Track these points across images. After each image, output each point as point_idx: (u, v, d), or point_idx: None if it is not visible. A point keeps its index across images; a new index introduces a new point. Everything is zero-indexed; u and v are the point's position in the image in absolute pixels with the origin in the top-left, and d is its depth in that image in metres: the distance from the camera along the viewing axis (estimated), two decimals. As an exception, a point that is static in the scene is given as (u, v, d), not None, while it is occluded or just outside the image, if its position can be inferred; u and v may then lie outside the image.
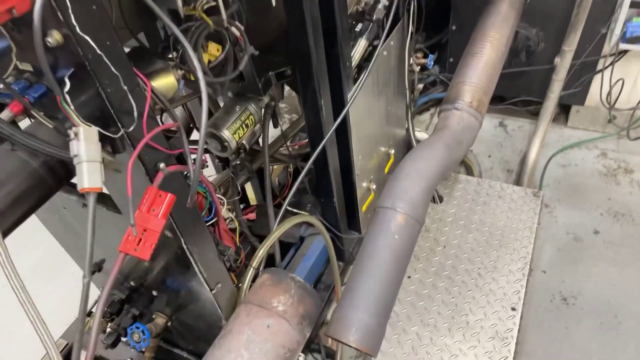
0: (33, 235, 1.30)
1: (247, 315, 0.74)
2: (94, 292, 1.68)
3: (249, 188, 2.21)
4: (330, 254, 1.65)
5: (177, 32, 0.76)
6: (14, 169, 0.87)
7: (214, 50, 1.00)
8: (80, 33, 0.64)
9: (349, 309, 1.11)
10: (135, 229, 0.76)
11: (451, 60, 2.67)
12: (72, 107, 0.68)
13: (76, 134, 0.67)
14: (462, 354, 1.62)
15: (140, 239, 0.81)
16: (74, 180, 0.93)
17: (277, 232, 1.33)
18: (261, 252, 1.29)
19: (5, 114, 0.72)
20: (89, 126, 0.69)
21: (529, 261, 1.85)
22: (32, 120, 0.87)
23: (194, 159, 0.89)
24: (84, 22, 0.66)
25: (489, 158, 2.55)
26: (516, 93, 2.62)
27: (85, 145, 0.68)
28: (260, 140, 1.68)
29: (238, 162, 1.63)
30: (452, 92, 1.55)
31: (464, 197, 2.11)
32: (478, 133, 1.51)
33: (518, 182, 2.41)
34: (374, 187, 2.04)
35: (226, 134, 1.42)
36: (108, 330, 1.46)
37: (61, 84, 0.68)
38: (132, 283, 1.41)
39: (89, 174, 0.68)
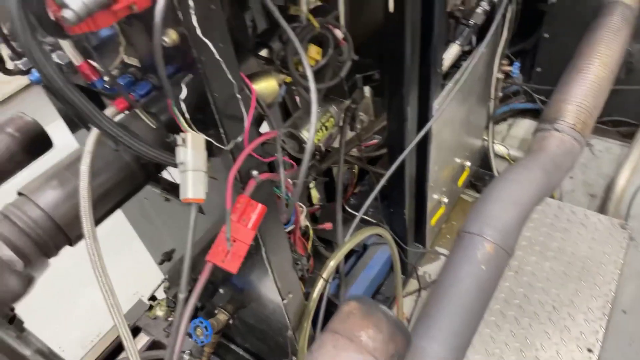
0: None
1: (334, 347, 0.69)
2: (157, 275, 1.70)
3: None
4: (395, 267, 1.57)
5: (293, 36, 0.70)
6: (108, 161, 0.86)
7: (313, 52, 0.94)
8: (200, 35, 0.59)
9: (424, 338, 1.04)
10: (230, 242, 0.71)
11: (538, 70, 2.48)
12: (184, 113, 0.64)
13: (184, 140, 0.63)
14: (528, 391, 1.51)
15: (228, 251, 0.77)
16: (171, 179, 0.91)
17: (349, 243, 1.27)
18: (332, 263, 1.23)
19: (111, 111, 0.69)
20: (197, 133, 0.65)
21: (611, 300, 1.69)
22: (125, 113, 0.85)
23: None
24: (204, 23, 0.61)
25: (571, 179, 2.36)
26: (608, 112, 2.39)
27: (192, 153, 0.64)
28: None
29: (311, 164, 1.58)
30: (551, 110, 1.42)
31: (542, 220, 1.96)
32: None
33: (602, 209, 2.21)
34: (446, 200, 1.93)
35: (305, 135, 1.37)
36: (170, 318, 1.47)
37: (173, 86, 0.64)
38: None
39: (194, 184, 0.64)
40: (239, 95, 0.65)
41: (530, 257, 1.84)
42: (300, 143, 1.39)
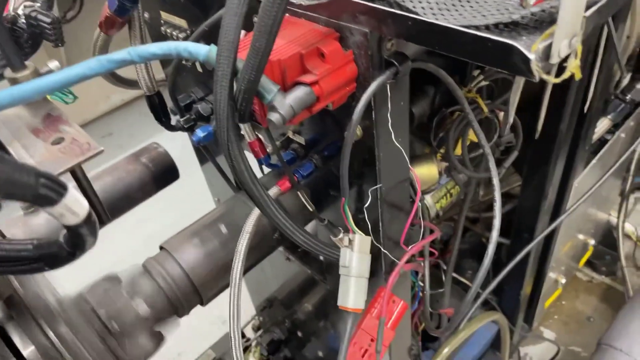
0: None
1: None
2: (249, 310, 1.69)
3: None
4: (503, 355, 1.43)
5: (479, 132, 0.63)
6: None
7: (471, 134, 0.86)
8: (394, 139, 0.54)
9: None
10: (381, 347, 0.65)
11: (684, 143, 2.20)
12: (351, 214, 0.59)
13: (351, 242, 0.59)
14: None
15: (365, 350, 0.71)
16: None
17: (466, 331, 1.16)
18: (446, 351, 1.13)
19: (274, 192, 0.66)
20: (364, 235, 0.60)
21: None
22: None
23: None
24: (396, 122, 0.56)
25: None
26: None
27: (358, 257, 0.59)
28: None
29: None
30: None
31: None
32: None
33: None
34: (563, 281, 1.74)
35: (429, 201, 1.28)
36: (261, 366, 1.44)
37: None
38: (294, 327, 1.36)
39: (356, 293, 0.59)
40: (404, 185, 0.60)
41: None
42: (423, 209, 1.31)
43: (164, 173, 1.20)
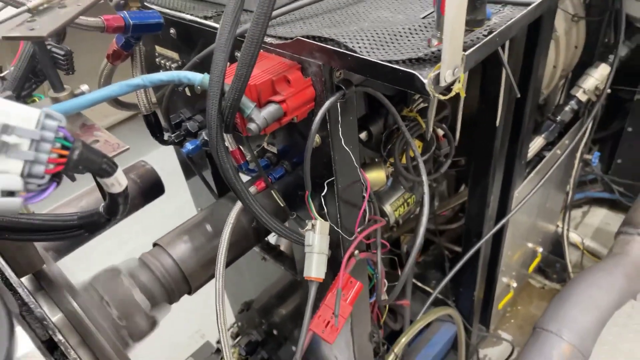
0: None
1: None
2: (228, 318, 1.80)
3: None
4: (460, 351, 1.58)
5: (411, 141, 0.81)
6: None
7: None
8: (343, 144, 0.71)
9: None
10: (337, 319, 0.80)
11: (619, 161, 2.46)
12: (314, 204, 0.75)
13: (313, 226, 0.75)
14: None
15: (328, 322, 0.86)
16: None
17: (421, 322, 1.32)
18: (404, 340, 1.28)
19: (252, 190, 0.82)
20: (323, 221, 0.76)
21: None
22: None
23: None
24: (345, 132, 0.74)
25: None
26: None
27: (319, 237, 0.74)
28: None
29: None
30: (636, 214, 1.42)
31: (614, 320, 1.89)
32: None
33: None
34: (515, 285, 1.92)
35: (388, 209, 1.45)
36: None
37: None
38: (270, 328, 1.49)
39: (317, 265, 0.74)
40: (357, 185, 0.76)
41: (599, 357, 1.77)
42: (382, 216, 1.48)
43: (150, 188, 1.34)
